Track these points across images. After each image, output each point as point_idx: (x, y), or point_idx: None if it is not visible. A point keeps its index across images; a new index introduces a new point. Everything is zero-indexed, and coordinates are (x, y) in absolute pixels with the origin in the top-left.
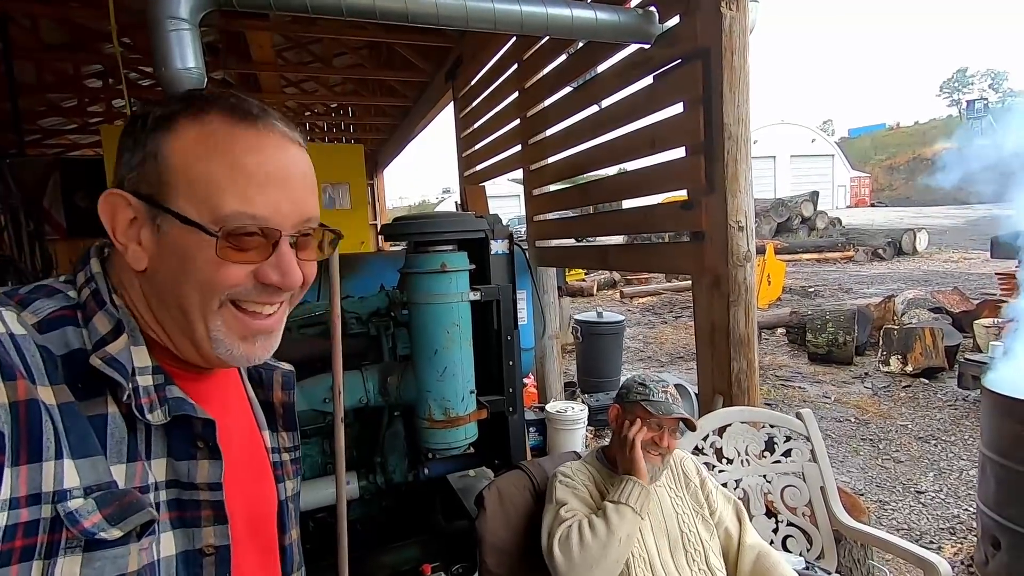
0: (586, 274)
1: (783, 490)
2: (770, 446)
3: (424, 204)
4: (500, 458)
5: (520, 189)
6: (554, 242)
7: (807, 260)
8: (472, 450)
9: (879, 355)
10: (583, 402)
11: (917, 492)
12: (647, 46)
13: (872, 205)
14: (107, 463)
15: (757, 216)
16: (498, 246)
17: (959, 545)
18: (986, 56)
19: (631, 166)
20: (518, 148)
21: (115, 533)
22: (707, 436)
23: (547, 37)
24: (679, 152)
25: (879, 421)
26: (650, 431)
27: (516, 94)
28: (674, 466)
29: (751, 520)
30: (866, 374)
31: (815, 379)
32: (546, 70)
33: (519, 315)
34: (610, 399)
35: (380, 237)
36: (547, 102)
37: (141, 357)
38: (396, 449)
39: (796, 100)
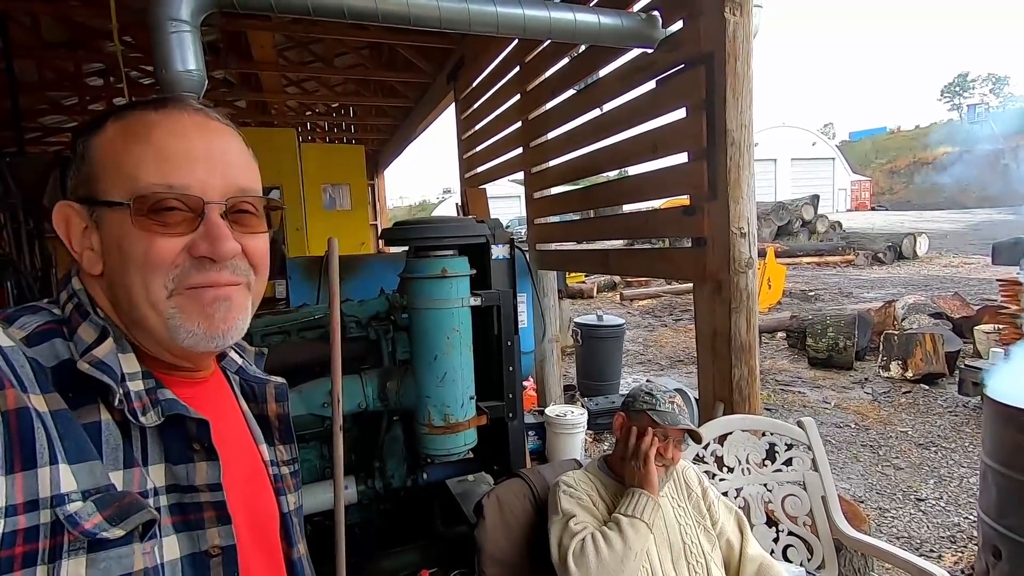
0: (586, 276)
1: (784, 499)
2: (771, 454)
3: (424, 204)
4: (499, 464)
5: (520, 190)
6: (555, 245)
7: (807, 264)
8: (471, 455)
9: (879, 360)
10: (583, 406)
11: (917, 500)
12: (650, 50)
13: (872, 209)
14: (104, 468)
15: (757, 219)
16: (499, 251)
17: (960, 554)
18: (987, 60)
19: (633, 170)
20: (519, 151)
21: (117, 532)
22: (708, 444)
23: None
24: (681, 157)
25: (879, 427)
26: (656, 442)
27: (518, 96)
28: (676, 476)
29: (752, 529)
30: (866, 379)
31: (815, 384)
32: (548, 73)
33: (519, 318)
34: (610, 403)
35: (379, 237)
36: (549, 105)
37: (130, 363)
38: (395, 454)
39: (797, 103)
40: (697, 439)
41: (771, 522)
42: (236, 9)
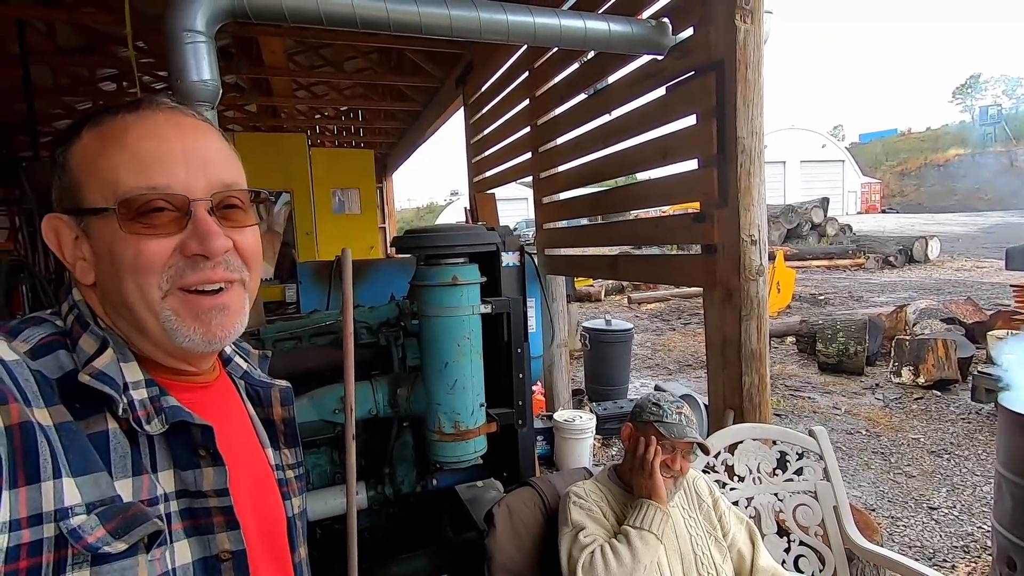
0: (593, 280)
1: (795, 509)
2: (782, 464)
3: (432, 207)
4: (509, 471)
5: (527, 191)
6: (564, 250)
7: (817, 267)
8: (481, 461)
9: (891, 366)
10: (591, 411)
11: (930, 508)
12: (660, 57)
13: (883, 211)
14: (110, 479)
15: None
16: (509, 258)
17: (973, 564)
18: (1000, 62)
19: (641, 176)
20: (528, 155)
21: (119, 546)
22: (718, 453)
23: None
24: (691, 164)
25: (890, 434)
26: (663, 453)
27: (527, 101)
28: (687, 486)
29: (763, 539)
30: (877, 385)
31: (825, 389)
32: (557, 79)
33: (528, 324)
34: (618, 408)
35: (389, 242)
36: (558, 110)
37: (132, 372)
38: (405, 459)
39: (806, 105)
40: (705, 451)
41: (782, 532)
42: (250, 19)
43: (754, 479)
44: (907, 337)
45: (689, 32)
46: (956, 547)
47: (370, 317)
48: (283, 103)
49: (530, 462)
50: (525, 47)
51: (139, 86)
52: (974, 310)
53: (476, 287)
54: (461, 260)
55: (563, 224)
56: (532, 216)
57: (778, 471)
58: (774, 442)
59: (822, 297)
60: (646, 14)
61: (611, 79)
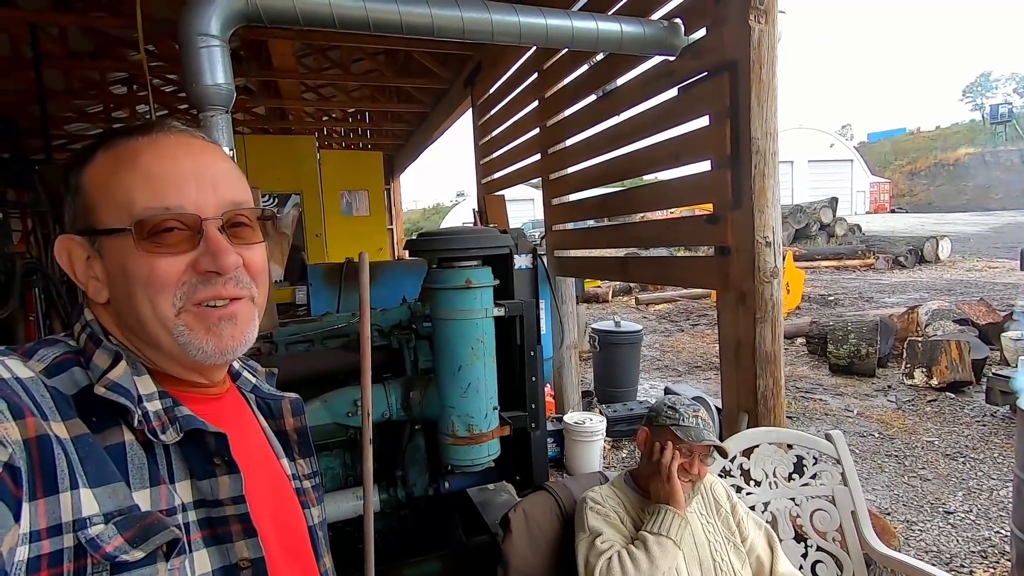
0: (602, 281)
1: (812, 514)
2: (799, 468)
3: (439, 208)
4: (521, 474)
5: (533, 192)
6: (573, 252)
7: (826, 267)
8: (493, 464)
9: (903, 368)
10: (601, 413)
11: (946, 512)
12: (672, 58)
13: (892, 211)
14: (128, 489)
15: None
16: (521, 261)
17: (992, 570)
18: (1011, 60)
19: (649, 178)
20: (537, 157)
21: (137, 555)
22: (735, 458)
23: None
24: (703, 165)
25: (904, 436)
26: (680, 457)
27: (536, 103)
28: (704, 492)
29: (780, 544)
30: (889, 387)
31: (836, 391)
32: (567, 80)
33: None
34: (628, 410)
35: (396, 243)
36: (568, 112)
37: (145, 385)
38: (417, 462)
39: (814, 104)
40: (723, 453)
41: (799, 537)
42: (264, 23)
43: (770, 483)
44: (919, 338)
45: (702, 33)
46: (974, 552)
47: (382, 320)
48: (291, 105)
49: (543, 466)
50: (534, 48)
51: (150, 89)
52: (987, 311)
53: (489, 290)
54: (474, 263)
55: (572, 226)
56: (538, 217)
57: (794, 475)
58: (790, 446)
59: (832, 298)
60: (658, 15)
61: (621, 80)
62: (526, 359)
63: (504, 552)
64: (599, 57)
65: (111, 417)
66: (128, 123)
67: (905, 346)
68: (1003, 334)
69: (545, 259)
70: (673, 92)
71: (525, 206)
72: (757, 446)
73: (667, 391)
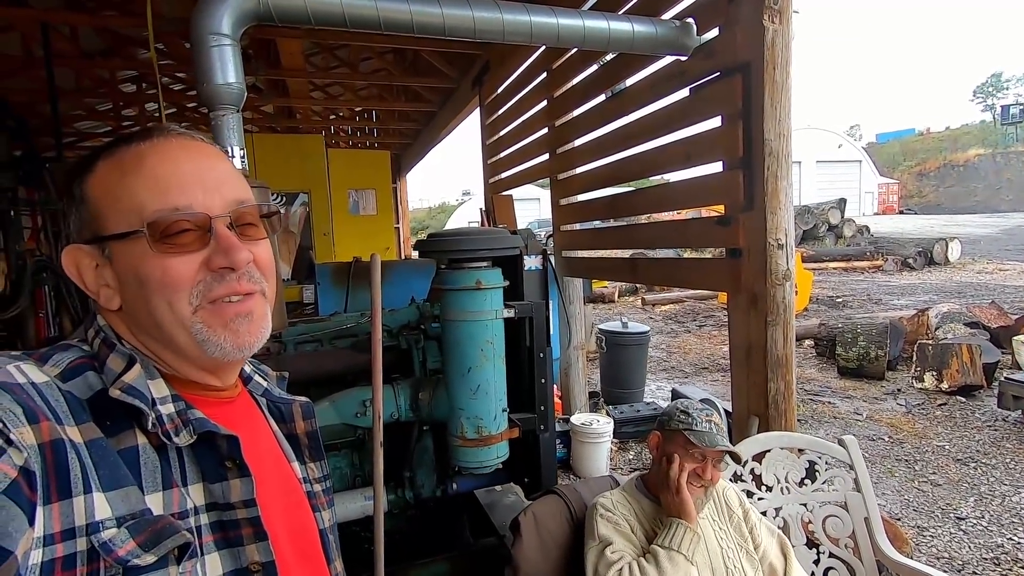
0: (609, 281)
1: (825, 520)
2: (811, 473)
3: (444, 207)
4: (530, 476)
5: (539, 192)
6: (581, 253)
7: (834, 269)
8: (501, 466)
9: (913, 371)
10: (608, 414)
11: (957, 518)
12: (683, 58)
13: (901, 212)
14: (140, 493)
15: None
16: (531, 262)
17: None
18: (1023, 60)
19: (658, 179)
20: (546, 157)
21: (149, 559)
22: (746, 463)
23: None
24: (715, 166)
25: (914, 441)
26: (693, 462)
27: (544, 103)
28: (717, 498)
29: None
30: (899, 390)
31: (845, 394)
32: (576, 80)
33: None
34: (635, 411)
35: (403, 242)
36: (577, 112)
37: (159, 388)
38: (425, 464)
39: (822, 104)
40: (736, 459)
41: (811, 543)
42: (275, 22)
43: (782, 489)
44: (930, 341)
45: (714, 32)
46: (986, 559)
47: (390, 320)
48: (299, 104)
49: (552, 468)
50: (543, 48)
51: (159, 88)
52: (999, 314)
53: (499, 291)
54: (484, 264)
55: (580, 226)
56: (543, 217)
57: (806, 481)
58: (801, 451)
59: (840, 299)
60: (670, 14)
61: (632, 80)
62: (535, 361)
63: (513, 556)
64: (609, 57)
65: (125, 420)
66: (137, 122)
67: (915, 349)
68: (1015, 338)
69: (553, 259)
70: (684, 92)
71: (531, 205)
72: (769, 451)
73: (675, 393)
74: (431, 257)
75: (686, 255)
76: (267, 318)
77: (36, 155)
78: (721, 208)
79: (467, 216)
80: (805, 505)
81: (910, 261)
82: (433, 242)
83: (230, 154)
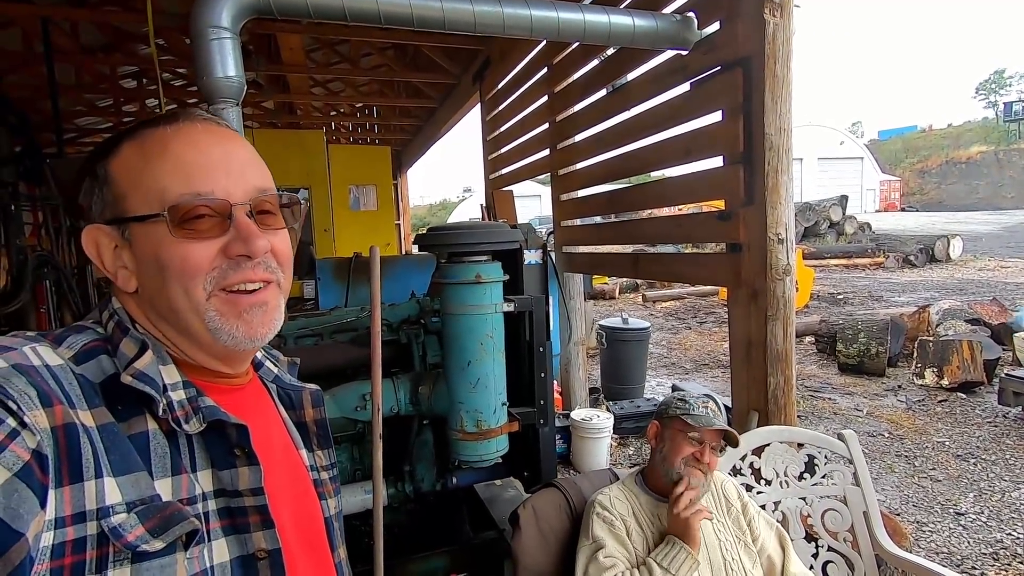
0: (609, 277)
1: (824, 514)
2: (810, 467)
3: (445, 204)
4: (529, 470)
5: (539, 188)
6: (582, 248)
7: (835, 266)
8: (500, 460)
9: (913, 367)
10: (608, 409)
11: (957, 514)
12: (684, 52)
13: (902, 209)
14: (150, 478)
15: None
16: (531, 256)
17: (1003, 572)
18: None
19: (658, 174)
20: (547, 152)
21: (157, 544)
22: (745, 456)
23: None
24: (715, 161)
25: (914, 437)
26: (691, 447)
27: (545, 98)
28: (715, 490)
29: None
30: (899, 387)
31: (846, 390)
32: (577, 75)
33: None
34: (635, 407)
35: (404, 239)
36: (578, 107)
37: (170, 374)
38: (424, 458)
39: (824, 101)
40: (733, 442)
41: (810, 537)
42: (275, 15)
43: (781, 483)
44: (930, 338)
45: (715, 27)
46: (985, 554)
47: (390, 315)
48: (300, 100)
49: (551, 462)
50: (544, 43)
51: (160, 83)
52: (1000, 311)
53: (499, 285)
54: (484, 258)
55: (581, 222)
56: (544, 214)
57: (806, 475)
58: (801, 445)
59: (841, 296)
60: (670, 8)
61: (633, 75)
62: (535, 355)
63: (513, 548)
64: (610, 51)
65: (136, 406)
66: (138, 117)
67: (916, 346)
68: (1015, 334)
69: (553, 255)
70: (685, 87)
71: (531, 202)
72: (768, 445)
73: (674, 388)
74: (431, 251)
75: (687, 251)
76: (280, 309)
77: (37, 151)
78: (721, 203)
79: (468, 213)
80: (804, 499)
81: (911, 258)
82: (433, 236)
83: None
